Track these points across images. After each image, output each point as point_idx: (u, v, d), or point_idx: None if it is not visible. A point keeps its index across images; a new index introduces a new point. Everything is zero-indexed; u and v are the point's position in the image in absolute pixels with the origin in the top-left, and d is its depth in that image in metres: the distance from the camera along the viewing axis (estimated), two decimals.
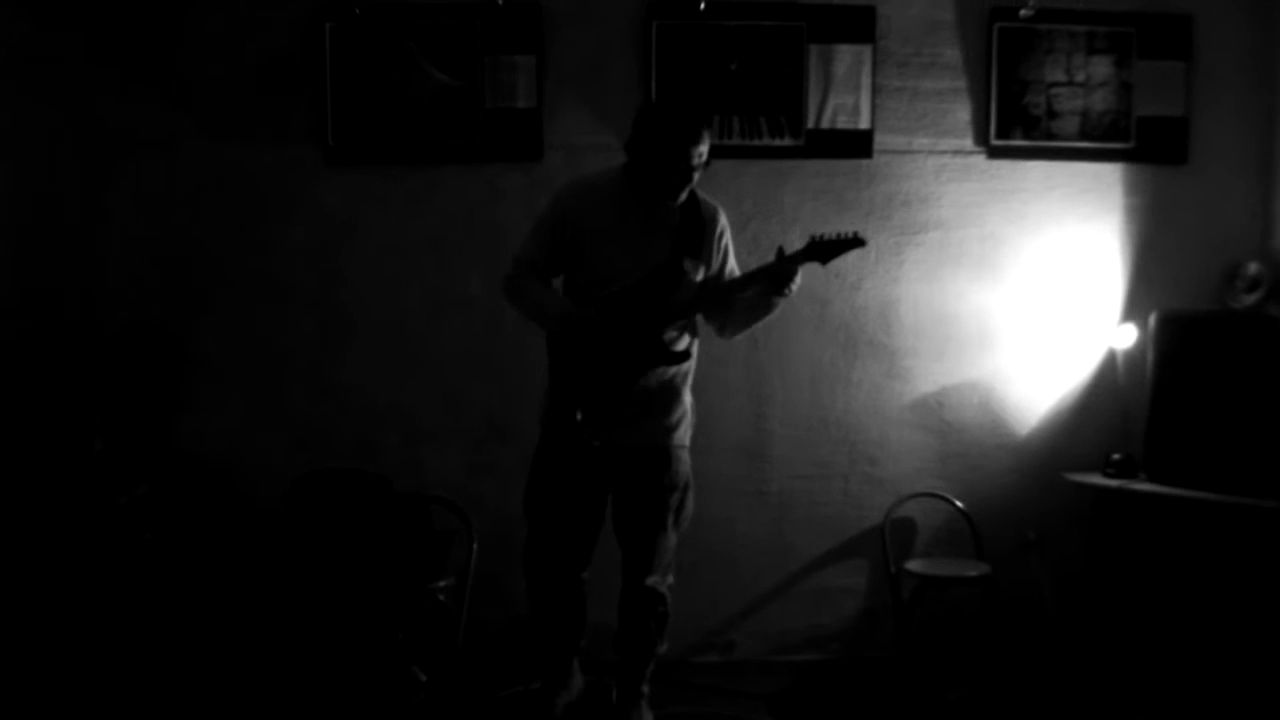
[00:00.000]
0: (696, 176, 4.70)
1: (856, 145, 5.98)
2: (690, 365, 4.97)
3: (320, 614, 5.37)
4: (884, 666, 5.92)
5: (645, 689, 5.19)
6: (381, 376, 6.00)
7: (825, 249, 4.80)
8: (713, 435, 5.98)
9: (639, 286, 4.77)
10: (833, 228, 4.87)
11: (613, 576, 5.09)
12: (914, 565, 5.80)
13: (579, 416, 4.77)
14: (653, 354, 4.81)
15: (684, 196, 4.75)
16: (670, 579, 5.08)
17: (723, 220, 4.95)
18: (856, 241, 4.83)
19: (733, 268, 5.00)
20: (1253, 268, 5.86)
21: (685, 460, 5.02)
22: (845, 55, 5.92)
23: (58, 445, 5.53)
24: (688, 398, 5.01)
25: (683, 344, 4.89)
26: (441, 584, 5.41)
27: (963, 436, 6.08)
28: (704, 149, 4.65)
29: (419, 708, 5.33)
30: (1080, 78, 6.00)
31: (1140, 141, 6.03)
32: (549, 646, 5.25)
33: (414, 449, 5.96)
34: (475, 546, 5.59)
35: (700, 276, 4.87)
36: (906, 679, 5.75)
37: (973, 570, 5.71)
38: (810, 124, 5.95)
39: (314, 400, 6.00)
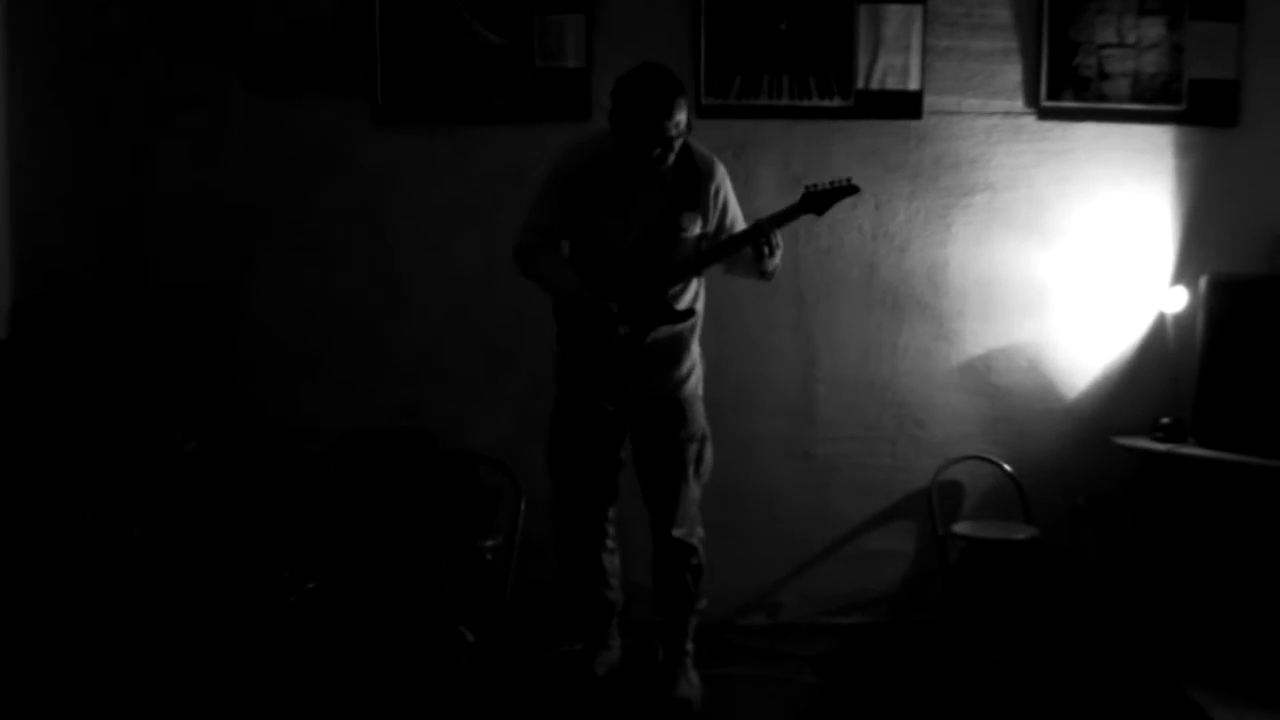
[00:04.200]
0: (677, 144, 4.69)
1: (906, 106, 5.94)
2: (698, 317, 5.02)
3: (367, 571, 5.39)
4: (930, 629, 5.92)
5: (689, 647, 5.22)
6: (430, 337, 6.03)
7: (820, 199, 4.82)
8: (759, 397, 6.03)
9: (640, 246, 4.80)
10: (826, 176, 4.85)
11: (647, 538, 5.14)
12: (961, 528, 5.79)
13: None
14: (656, 315, 4.84)
15: (671, 160, 4.73)
16: (700, 531, 5.12)
17: (720, 173, 4.93)
18: (850, 189, 4.83)
19: (735, 216, 4.99)
20: None
21: (700, 410, 5.08)
22: (895, 15, 5.88)
23: (103, 406, 5.55)
24: (695, 349, 5.05)
25: (685, 301, 4.92)
26: (489, 543, 5.39)
27: (1011, 400, 6.06)
28: (681, 118, 4.63)
29: (466, 667, 5.35)
30: (1131, 39, 5.95)
31: (1191, 104, 5.97)
32: (586, 607, 5.32)
33: (462, 409, 5.97)
34: (523, 506, 5.60)
35: (699, 230, 4.88)
36: (953, 642, 5.75)
37: (1020, 534, 5.70)
38: (860, 84, 5.92)
39: (361, 359, 6.03)
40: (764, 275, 4.89)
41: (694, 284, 4.97)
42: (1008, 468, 5.98)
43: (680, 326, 4.93)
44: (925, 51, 5.93)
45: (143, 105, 5.97)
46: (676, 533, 5.02)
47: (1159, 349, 6.01)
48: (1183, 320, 5.91)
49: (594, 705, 5.14)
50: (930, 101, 5.97)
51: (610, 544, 5.25)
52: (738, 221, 4.97)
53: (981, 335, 6.05)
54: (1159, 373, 5.98)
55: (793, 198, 4.89)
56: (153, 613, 5.19)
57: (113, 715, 4.81)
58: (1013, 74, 5.97)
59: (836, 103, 5.93)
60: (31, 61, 5.93)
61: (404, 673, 5.24)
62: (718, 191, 4.90)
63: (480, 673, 5.34)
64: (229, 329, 5.98)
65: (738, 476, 5.87)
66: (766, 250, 4.72)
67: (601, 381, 4.92)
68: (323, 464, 5.46)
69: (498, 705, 5.15)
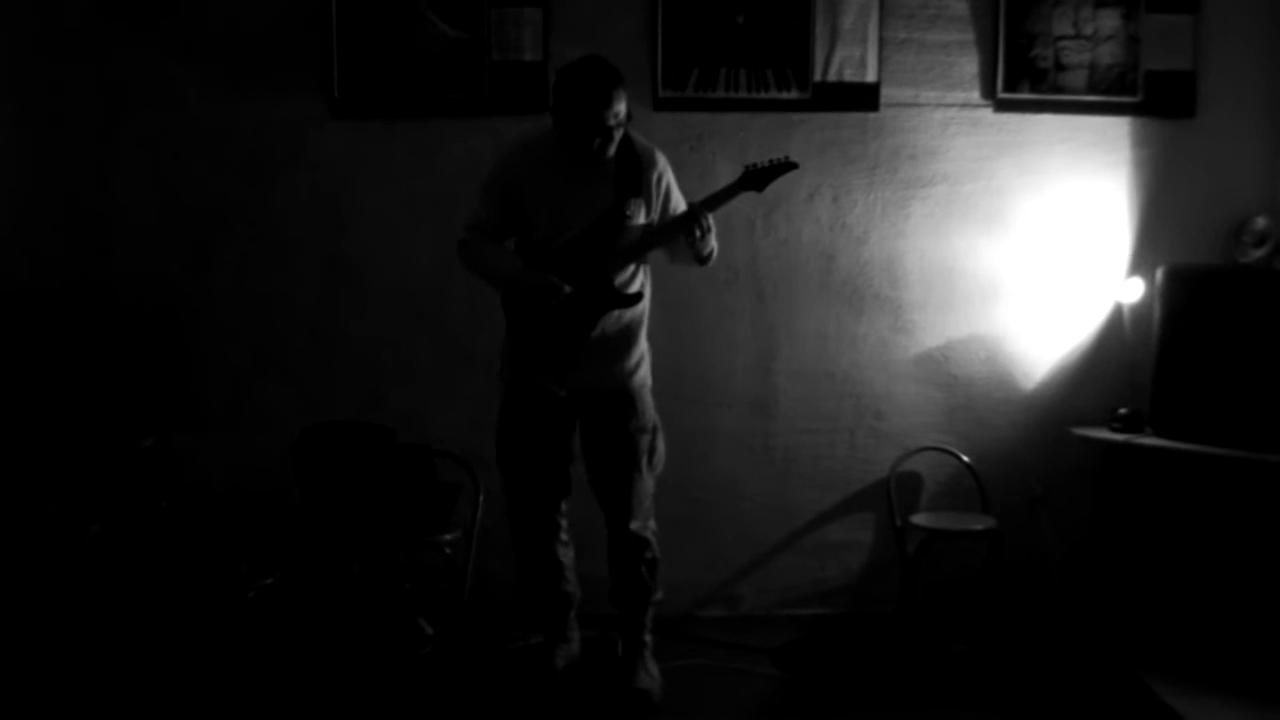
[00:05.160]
0: (617, 135, 4.73)
1: (863, 98, 5.95)
2: (645, 308, 5.04)
3: (325, 565, 5.38)
4: (889, 620, 5.92)
5: (648, 639, 5.25)
6: (388, 331, 6.02)
7: (759, 176, 4.87)
8: (718, 390, 6.04)
9: (585, 235, 4.83)
10: (766, 155, 4.88)
11: (601, 531, 5.16)
12: (920, 519, 5.79)
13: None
14: (605, 300, 4.87)
15: (612, 151, 4.77)
16: (653, 524, 5.14)
17: (660, 162, 4.97)
18: (789, 165, 4.88)
19: (677, 203, 5.03)
20: (1260, 222, 5.85)
21: (650, 401, 5.10)
22: (852, 7, 5.88)
23: (60, 402, 5.52)
24: (644, 340, 5.07)
25: (635, 286, 4.96)
26: (448, 537, 5.39)
27: (969, 391, 6.07)
28: (620, 108, 4.67)
29: (425, 660, 5.34)
30: (1088, 30, 5.96)
31: (1148, 95, 5.99)
32: (544, 601, 5.34)
33: (421, 403, 5.96)
34: (482, 500, 5.61)
35: (644, 218, 4.91)
36: (912, 633, 5.76)
37: (978, 524, 5.71)
38: (817, 77, 5.92)
39: (319, 354, 6.02)
40: (700, 260, 4.94)
41: (640, 273, 4.99)
42: (966, 458, 5.99)
43: (628, 317, 4.95)
44: (882, 43, 5.93)
45: (98, 101, 5.94)
46: (633, 526, 5.04)
47: (1116, 340, 6.03)
48: (1139, 311, 5.93)
49: (554, 698, 5.14)
50: (888, 93, 5.96)
51: (564, 537, 5.26)
52: (680, 208, 5.01)
53: (940, 326, 6.06)
54: (1116, 363, 6.00)
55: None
56: (110, 608, 5.17)
57: (70, 710, 4.79)
58: (969, 66, 5.97)
59: (794, 95, 5.93)
60: None
61: (363, 667, 5.23)
62: (660, 179, 4.95)
63: (440, 666, 5.34)
64: (187, 324, 5.97)
65: (697, 468, 5.89)
66: (698, 232, 4.75)
67: (551, 367, 4.92)
68: (281, 458, 5.44)
69: (457, 699, 5.15)
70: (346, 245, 5.99)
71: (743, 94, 5.92)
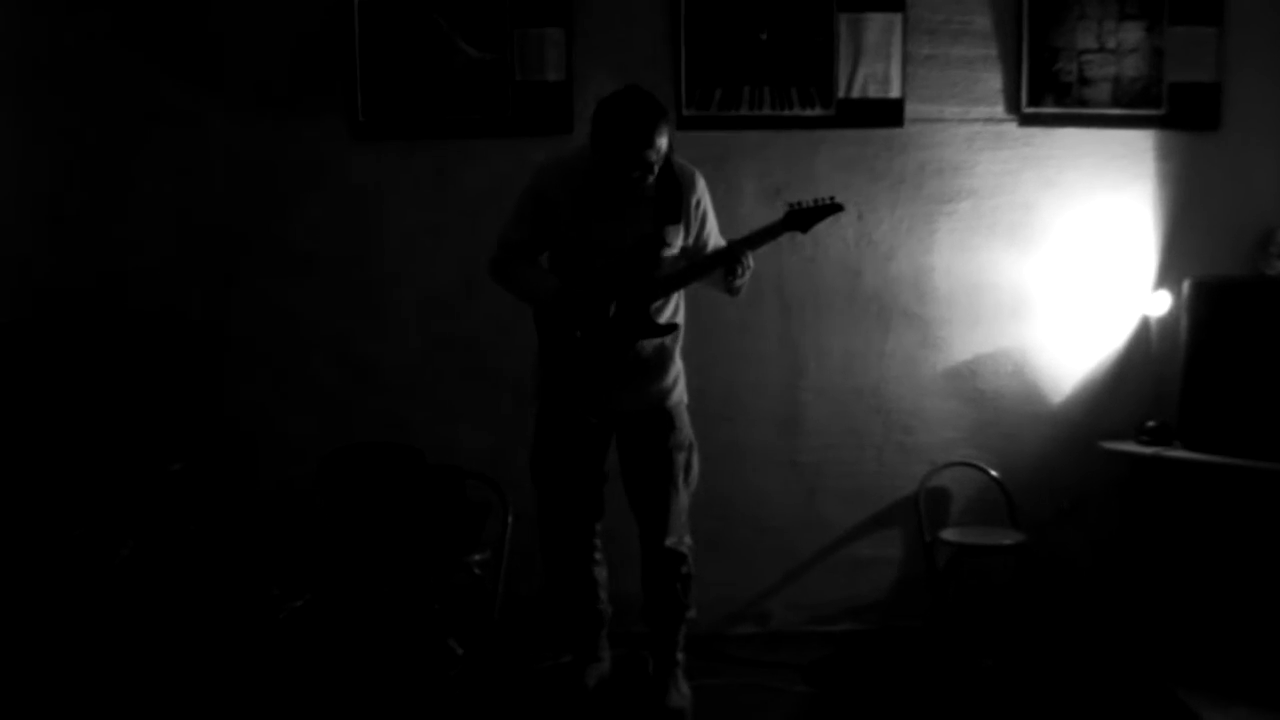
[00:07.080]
0: (657, 168, 4.67)
1: (887, 114, 5.95)
2: (680, 330, 5.03)
3: (355, 587, 5.38)
4: (920, 636, 5.92)
5: (680, 657, 5.23)
6: (414, 352, 6.03)
7: (803, 218, 4.83)
8: (746, 407, 6.04)
9: (623, 261, 4.80)
10: (809, 187, 4.88)
11: (634, 548, 5.15)
12: (949, 534, 5.79)
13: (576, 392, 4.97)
14: (640, 328, 4.85)
15: (651, 180, 4.72)
16: (688, 540, 5.12)
17: (700, 185, 4.93)
18: (835, 207, 4.86)
19: (712, 228, 5.01)
20: None
21: (686, 419, 5.10)
22: (875, 24, 5.89)
23: (88, 427, 5.54)
24: (679, 359, 5.07)
25: (667, 315, 4.95)
26: (477, 557, 5.39)
27: (997, 405, 6.07)
28: (662, 143, 4.60)
29: (455, 680, 5.34)
30: (1111, 44, 5.96)
31: (1172, 108, 5.99)
32: (574, 619, 5.35)
33: (448, 425, 5.96)
34: (511, 520, 5.60)
35: (681, 241, 4.89)
36: (942, 648, 5.75)
37: (1008, 539, 5.69)
38: (841, 93, 5.92)
39: (345, 377, 6.02)
40: (731, 292, 4.91)
41: (674, 297, 4.98)
42: (994, 473, 5.98)
43: (664, 338, 4.93)
44: (906, 59, 5.93)
45: (123, 124, 5.95)
46: (668, 542, 5.02)
47: (1143, 353, 6.03)
48: (1166, 324, 5.93)
49: (585, 717, 5.15)
50: (912, 109, 5.97)
51: (598, 556, 5.26)
52: (714, 233, 5.00)
53: (967, 341, 6.06)
54: (1144, 376, 6.00)
55: (773, 209, 4.91)
56: (142, 632, 5.18)
57: None
58: (994, 81, 5.97)
59: (818, 112, 5.93)
60: (10, 82, 5.93)
61: (394, 688, 5.23)
62: (698, 204, 4.91)
63: (470, 686, 5.34)
64: (213, 348, 5.97)
65: (725, 485, 5.87)
66: (739, 270, 4.74)
67: (586, 394, 4.92)
68: (309, 481, 5.44)
69: (488, 719, 5.15)
70: (370, 267, 6.00)
71: (766, 111, 5.92)
